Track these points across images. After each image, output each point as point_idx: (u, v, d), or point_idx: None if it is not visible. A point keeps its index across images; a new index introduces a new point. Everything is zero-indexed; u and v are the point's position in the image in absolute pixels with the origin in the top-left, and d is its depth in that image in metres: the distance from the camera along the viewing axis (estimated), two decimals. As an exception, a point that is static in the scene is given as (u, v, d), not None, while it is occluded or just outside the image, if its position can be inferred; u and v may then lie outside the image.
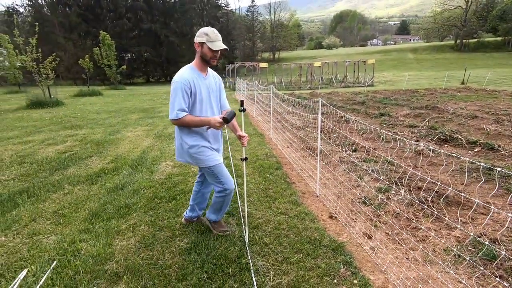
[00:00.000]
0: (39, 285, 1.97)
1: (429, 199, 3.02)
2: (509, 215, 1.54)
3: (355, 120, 3.40)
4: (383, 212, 2.91)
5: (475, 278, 2.00)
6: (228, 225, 2.74)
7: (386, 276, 2.07)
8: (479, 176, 3.64)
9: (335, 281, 2.01)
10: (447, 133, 5.50)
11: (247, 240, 2.46)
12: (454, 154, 2.28)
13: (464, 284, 1.95)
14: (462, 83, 18.77)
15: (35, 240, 2.53)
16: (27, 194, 3.42)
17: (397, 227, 2.63)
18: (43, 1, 44.26)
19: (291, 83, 25.25)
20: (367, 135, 5.94)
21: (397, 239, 2.48)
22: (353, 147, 5.14)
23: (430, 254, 2.26)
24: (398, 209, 2.91)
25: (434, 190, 3.12)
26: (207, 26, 2.20)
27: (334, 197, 3.31)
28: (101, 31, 25.81)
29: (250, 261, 2.19)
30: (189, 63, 2.23)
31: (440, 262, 2.14)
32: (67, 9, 44.06)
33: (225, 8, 61.58)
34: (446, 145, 5.25)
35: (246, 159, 2.50)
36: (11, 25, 28.71)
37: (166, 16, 49.13)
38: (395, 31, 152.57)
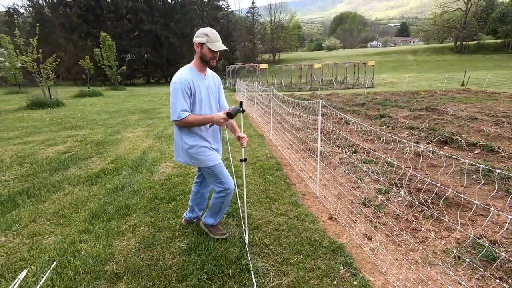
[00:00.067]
0: (39, 286, 1.97)
1: (429, 200, 3.02)
2: (509, 216, 1.54)
3: (355, 122, 3.41)
4: (383, 214, 2.91)
5: (475, 280, 2.00)
6: (228, 226, 2.75)
7: (386, 278, 2.07)
8: (479, 178, 3.65)
9: (335, 282, 2.01)
10: (447, 134, 5.50)
11: (247, 241, 2.46)
12: (454, 156, 2.29)
13: (464, 285, 1.95)
14: (462, 85, 18.81)
15: (35, 240, 2.53)
16: (27, 195, 3.42)
17: (397, 229, 2.63)
18: (43, 1, 44.41)
19: (291, 85, 25.30)
20: (367, 137, 5.94)
21: (397, 240, 2.48)
22: (353, 149, 5.14)
23: (430, 255, 2.26)
24: (398, 211, 2.91)
25: (434, 192, 3.12)
26: (207, 27, 2.21)
27: (334, 199, 3.31)
28: (102, 32, 25.83)
29: (250, 262, 2.19)
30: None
31: (440, 264, 2.14)
32: (67, 10, 44.18)
33: (226, 9, 61.74)
34: (446, 147, 5.26)
35: (245, 160, 2.51)
36: (11, 26, 28.74)
37: (167, 17, 49.25)
38: (395, 33, 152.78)
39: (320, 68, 25.85)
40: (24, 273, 2.09)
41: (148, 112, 10.66)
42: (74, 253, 2.33)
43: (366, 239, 2.53)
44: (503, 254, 1.99)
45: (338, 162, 4.44)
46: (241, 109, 2.14)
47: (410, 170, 3.06)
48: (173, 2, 51.91)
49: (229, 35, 56.15)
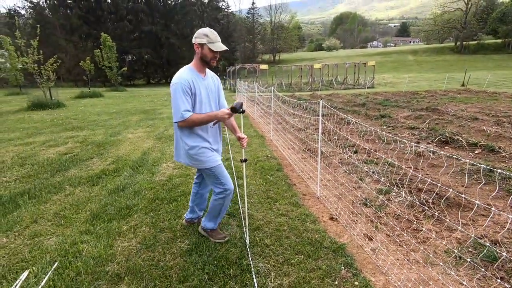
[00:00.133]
0: (40, 286, 1.97)
1: (430, 200, 3.02)
2: (510, 216, 1.54)
3: (356, 122, 3.41)
4: (384, 214, 2.91)
5: (476, 280, 2.00)
6: (229, 226, 2.75)
7: (387, 278, 2.07)
8: (480, 178, 3.64)
9: (336, 282, 2.01)
10: (447, 135, 5.50)
11: (248, 241, 2.46)
12: (454, 156, 2.29)
13: (465, 285, 1.95)
14: (462, 85, 18.80)
15: (37, 241, 2.54)
16: (28, 196, 3.43)
17: (398, 229, 2.63)
18: (44, 3, 44.50)
19: (292, 85, 25.31)
20: (367, 137, 5.94)
21: (398, 240, 2.48)
22: (354, 149, 5.14)
23: (431, 255, 2.26)
24: (399, 211, 2.91)
25: (434, 192, 3.12)
26: (206, 28, 2.18)
27: (335, 199, 3.31)
28: (102, 33, 25.93)
29: (251, 262, 2.19)
30: None
31: (441, 264, 2.13)
32: (68, 11, 44.25)
33: (226, 10, 61.77)
34: (446, 147, 5.26)
35: (246, 160, 2.51)
36: (12, 27, 28.80)
37: (167, 18, 49.31)
38: (395, 33, 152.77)
39: (320, 68, 25.86)
40: (25, 274, 2.09)
41: (149, 113, 10.67)
42: (75, 253, 2.33)
43: (367, 239, 2.53)
44: (504, 254, 1.98)
45: (338, 163, 4.44)
46: (241, 109, 2.13)
47: (411, 170, 3.06)
48: (173, 3, 51.98)
49: (229, 35, 56.18)
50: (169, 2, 51.83)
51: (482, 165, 1.75)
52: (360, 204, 3.16)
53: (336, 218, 2.92)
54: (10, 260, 2.28)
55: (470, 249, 2.34)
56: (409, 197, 3.13)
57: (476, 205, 1.58)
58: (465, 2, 54.56)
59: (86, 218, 2.91)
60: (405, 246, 2.41)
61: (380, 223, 2.76)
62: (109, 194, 3.48)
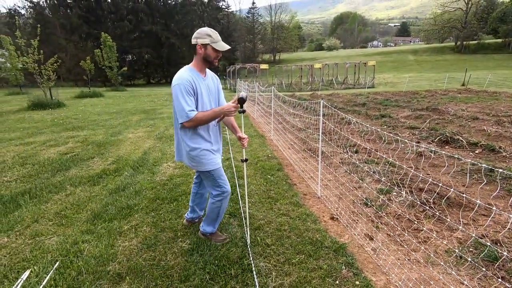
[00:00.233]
0: (42, 286, 1.97)
1: (431, 200, 3.02)
2: (511, 216, 1.55)
3: (356, 122, 3.41)
4: (384, 214, 2.91)
5: (477, 279, 2.00)
6: (230, 226, 2.75)
7: (388, 277, 2.07)
8: (481, 178, 3.64)
9: (337, 282, 2.01)
10: (448, 134, 5.50)
11: (248, 241, 2.46)
12: (455, 156, 2.29)
13: (466, 285, 1.95)
14: (463, 84, 18.80)
15: (38, 241, 2.54)
16: (29, 195, 3.43)
17: (399, 229, 2.63)
18: (44, 3, 44.52)
19: (292, 85, 25.32)
20: (368, 137, 5.94)
21: (398, 240, 2.48)
22: (354, 149, 5.15)
23: (432, 255, 2.26)
24: (400, 211, 2.91)
25: (435, 192, 3.12)
26: (205, 27, 2.16)
27: (335, 199, 3.32)
28: (102, 32, 25.91)
29: (252, 262, 2.19)
30: None
31: (442, 263, 2.14)
32: (68, 11, 44.25)
33: (226, 10, 61.74)
34: (447, 147, 5.26)
35: (246, 160, 2.51)
36: (13, 27, 28.77)
37: (167, 18, 49.30)
38: (396, 32, 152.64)
39: (320, 68, 25.86)
40: (27, 273, 2.10)
41: (149, 112, 10.68)
42: (76, 253, 2.34)
43: (367, 239, 2.54)
44: (505, 253, 1.99)
45: (339, 162, 4.44)
46: (240, 110, 2.13)
47: (411, 170, 3.06)
48: (173, 2, 51.97)
49: (230, 35, 56.15)
50: (169, 2, 51.84)
51: (483, 165, 1.75)
52: (361, 204, 3.16)
53: (337, 218, 2.92)
54: (12, 260, 2.28)
55: (471, 249, 2.34)
56: (409, 197, 3.14)
57: (477, 205, 1.58)
58: (465, 2, 54.50)
59: (87, 218, 2.92)
60: (406, 246, 2.41)
61: (380, 223, 2.76)
62: (110, 194, 3.49)
